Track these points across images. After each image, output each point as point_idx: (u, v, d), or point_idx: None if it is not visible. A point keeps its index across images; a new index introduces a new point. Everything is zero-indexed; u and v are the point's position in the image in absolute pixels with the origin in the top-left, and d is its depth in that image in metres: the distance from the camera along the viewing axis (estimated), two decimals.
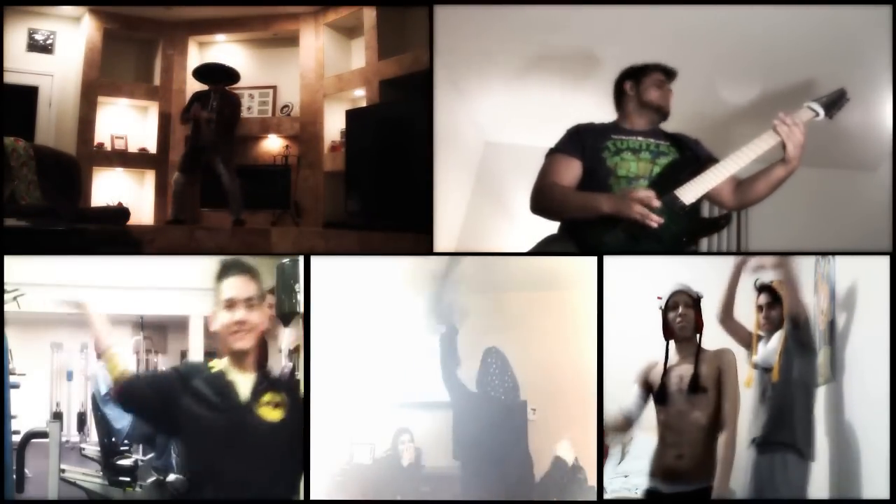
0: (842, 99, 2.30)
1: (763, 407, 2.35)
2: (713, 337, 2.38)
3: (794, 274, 2.32)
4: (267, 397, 1.96)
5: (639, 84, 2.48)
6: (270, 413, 1.95)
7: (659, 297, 2.37)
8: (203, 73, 5.70)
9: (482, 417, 2.50)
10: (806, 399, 2.31)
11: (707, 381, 2.26)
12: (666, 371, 2.33)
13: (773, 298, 2.37)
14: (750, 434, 2.35)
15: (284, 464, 2.01)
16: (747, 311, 2.45)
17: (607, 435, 2.46)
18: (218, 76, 5.58)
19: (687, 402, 2.27)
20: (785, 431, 2.28)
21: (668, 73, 2.49)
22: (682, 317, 2.32)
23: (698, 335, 2.33)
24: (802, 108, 2.28)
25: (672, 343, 2.35)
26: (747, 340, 2.44)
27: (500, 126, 3.71)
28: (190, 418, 1.89)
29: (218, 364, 1.97)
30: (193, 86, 5.88)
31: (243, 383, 1.95)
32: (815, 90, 2.35)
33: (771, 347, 2.35)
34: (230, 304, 1.93)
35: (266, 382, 1.98)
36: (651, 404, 2.36)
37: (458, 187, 3.67)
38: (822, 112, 2.27)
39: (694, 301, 2.33)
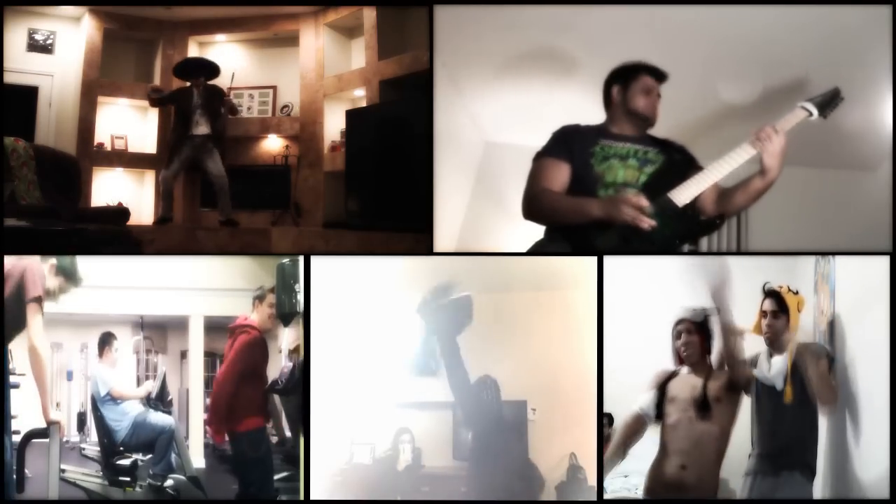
0: (836, 98, 2.28)
1: (767, 424, 2.33)
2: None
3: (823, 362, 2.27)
4: None
5: (626, 90, 2.44)
6: None
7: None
8: (183, 69, 5.70)
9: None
10: (812, 418, 2.31)
11: (715, 398, 2.26)
12: (674, 376, 2.33)
13: (778, 306, 2.33)
14: (754, 449, 2.35)
15: None
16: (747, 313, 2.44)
17: (617, 440, 2.44)
18: (198, 71, 5.56)
19: (698, 412, 2.27)
20: (793, 454, 2.27)
21: (658, 76, 2.45)
22: (686, 346, 2.34)
23: (707, 357, 2.33)
24: (796, 109, 2.26)
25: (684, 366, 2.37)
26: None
27: (500, 126, 3.71)
28: None
29: None
30: None
31: None
32: (815, 90, 2.34)
33: (777, 368, 2.32)
34: None
35: None
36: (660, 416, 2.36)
37: (458, 187, 3.67)
38: (815, 112, 2.25)
39: (697, 326, 2.33)
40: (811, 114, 2.25)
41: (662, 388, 2.33)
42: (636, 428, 2.40)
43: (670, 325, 2.41)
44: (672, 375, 2.35)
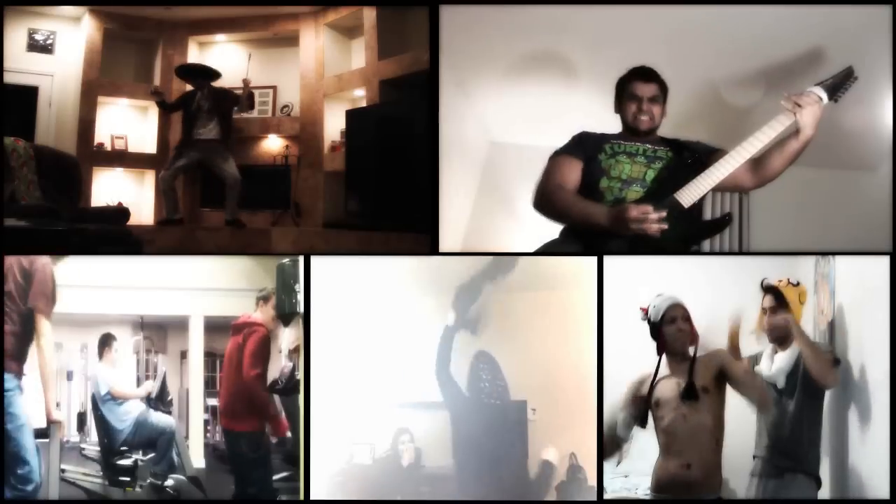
0: (848, 79, 2.25)
1: (769, 424, 2.33)
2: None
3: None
4: None
5: (620, 102, 2.50)
6: None
7: (643, 309, 2.35)
8: (185, 72, 5.73)
9: (478, 420, 2.52)
10: (815, 418, 2.30)
11: (702, 388, 2.24)
12: (657, 383, 2.30)
13: (777, 302, 2.33)
14: (756, 451, 2.35)
15: None
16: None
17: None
18: (199, 75, 5.57)
19: (688, 407, 2.25)
20: (797, 456, 2.27)
21: (647, 77, 2.47)
22: (681, 331, 2.29)
23: (692, 347, 2.30)
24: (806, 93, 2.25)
25: (664, 356, 2.33)
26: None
27: (505, 126, 3.70)
28: None
29: None
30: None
31: None
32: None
33: (779, 366, 2.31)
34: None
35: None
36: (644, 422, 2.33)
37: (463, 187, 3.66)
38: (825, 96, 2.24)
39: (688, 314, 2.31)
40: (821, 98, 2.23)
41: (647, 397, 2.30)
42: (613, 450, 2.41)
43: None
44: (653, 383, 2.31)
